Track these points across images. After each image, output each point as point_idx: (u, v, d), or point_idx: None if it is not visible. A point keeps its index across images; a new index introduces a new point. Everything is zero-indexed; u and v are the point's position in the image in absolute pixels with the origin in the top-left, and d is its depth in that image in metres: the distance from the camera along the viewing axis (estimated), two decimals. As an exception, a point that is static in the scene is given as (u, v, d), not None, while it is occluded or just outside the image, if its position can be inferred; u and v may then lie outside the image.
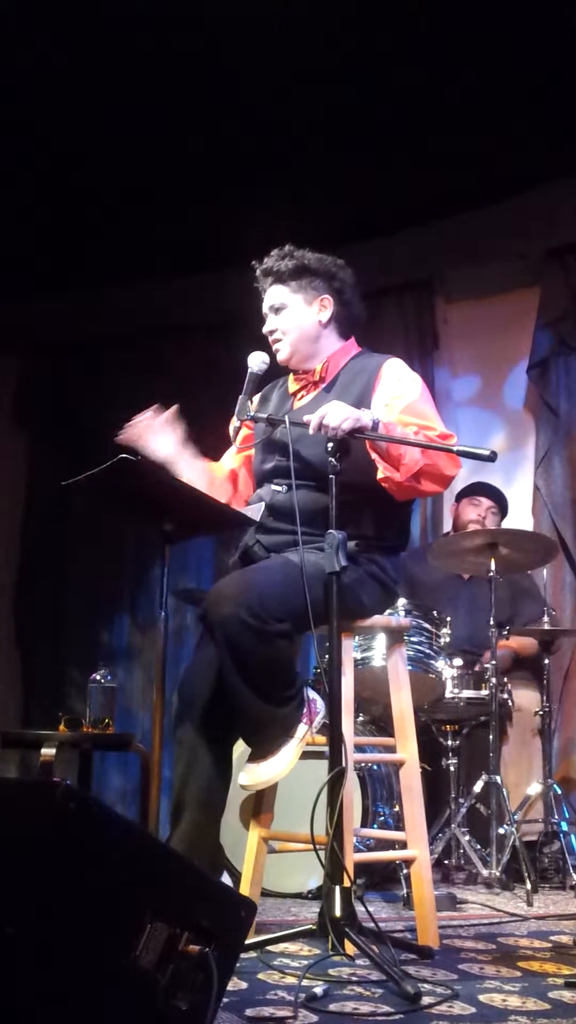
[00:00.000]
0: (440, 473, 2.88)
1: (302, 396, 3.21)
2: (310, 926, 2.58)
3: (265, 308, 3.22)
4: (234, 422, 3.06)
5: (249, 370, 3.05)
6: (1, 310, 6.50)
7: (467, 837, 4.07)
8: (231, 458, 3.34)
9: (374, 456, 2.89)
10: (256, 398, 3.23)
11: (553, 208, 5.54)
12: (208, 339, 6.35)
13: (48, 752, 3.95)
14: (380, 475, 2.90)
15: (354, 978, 2.43)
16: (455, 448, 2.82)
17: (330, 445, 2.74)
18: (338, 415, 2.74)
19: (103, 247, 6.06)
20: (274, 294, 3.19)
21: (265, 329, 3.22)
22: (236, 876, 3.29)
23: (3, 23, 4.34)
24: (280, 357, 3.19)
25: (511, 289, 5.86)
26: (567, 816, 4.18)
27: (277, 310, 3.19)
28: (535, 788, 4.23)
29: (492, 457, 2.76)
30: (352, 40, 4.60)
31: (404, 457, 2.83)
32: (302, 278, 3.18)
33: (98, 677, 4.32)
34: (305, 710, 2.89)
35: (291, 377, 3.28)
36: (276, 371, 3.24)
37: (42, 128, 5.10)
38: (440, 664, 4.05)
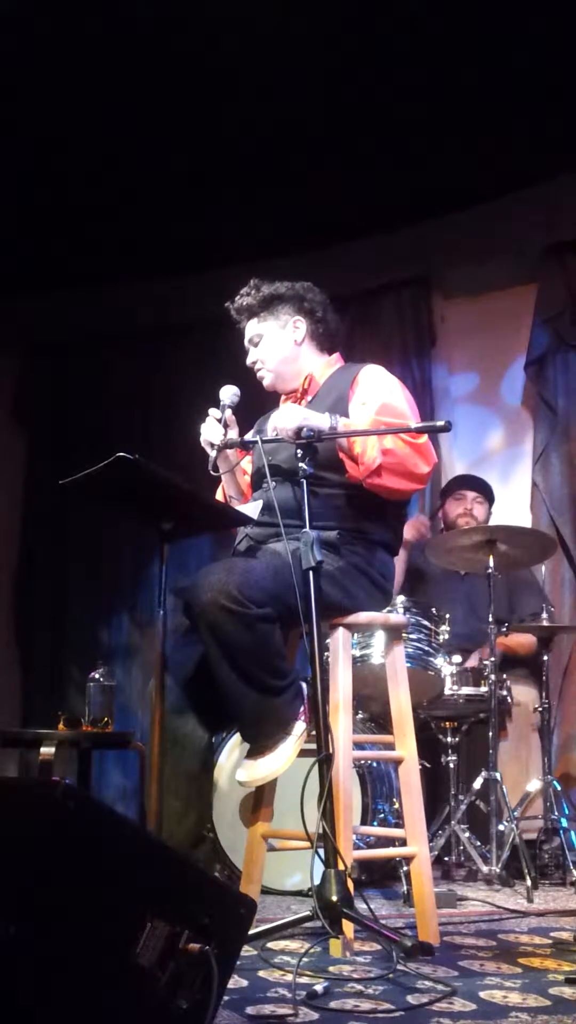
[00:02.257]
0: (407, 470, 2.94)
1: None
2: (307, 913, 2.58)
3: (245, 343, 3.37)
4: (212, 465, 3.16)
5: (221, 403, 3.17)
6: (1, 310, 6.50)
7: (467, 834, 4.07)
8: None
9: (341, 455, 2.98)
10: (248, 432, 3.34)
11: (551, 205, 5.54)
12: (207, 338, 6.35)
13: (47, 751, 3.95)
14: (348, 474, 2.99)
15: (354, 975, 2.43)
16: (412, 427, 2.91)
17: (299, 452, 2.85)
18: (285, 418, 2.89)
19: (103, 246, 6.06)
20: (249, 328, 3.35)
21: (248, 362, 3.36)
22: (236, 874, 3.30)
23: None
24: (266, 384, 3.35)
25: (509, 286, 5.86)
26: (567, 812, 4.18)
27: (255, 342, 3.33)
28: (535, 785, 4.23)
29: (447, 427, 2.85)
30: (352, 40, 4.60)
31: (362, 456, 2.93)
32: (272, 306, 3.32)
33: (97, 676, 4.31)
34: (303, 708, 2.89)
35: (281, 399, 3.38)
36: (271, 398, 3.38)
37: (41, 126, 5.09)
38: (439, 661, 4.05)
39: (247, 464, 3.39)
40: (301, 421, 2.85)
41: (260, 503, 3.05)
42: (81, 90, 4.85)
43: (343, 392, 3.15)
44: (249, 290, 3.33)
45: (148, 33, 4.48)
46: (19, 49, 4.55)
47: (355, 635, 3.69)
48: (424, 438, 2.96)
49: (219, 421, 3.15)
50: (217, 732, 3.04)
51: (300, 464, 2.84)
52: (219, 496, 3.38)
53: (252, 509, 3.06)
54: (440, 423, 2.86)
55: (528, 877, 3.71)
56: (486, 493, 5.07)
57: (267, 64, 4.67)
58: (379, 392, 3.09)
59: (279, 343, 3.30)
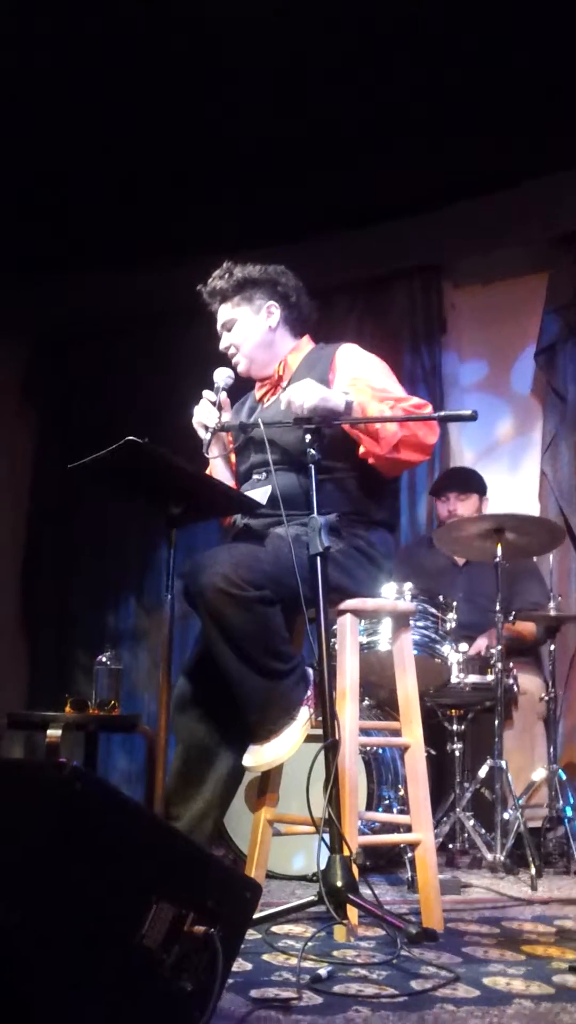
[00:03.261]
0: (419, 442, 2.97)
1: (268, 400, 3.31)
2: (312, 898, 2.59)
3: (218, 327, 3.35)
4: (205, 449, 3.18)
5: (215, 384, 3.19)
6: (6, 296, 6.49)
7: (472, 821, 4.08)
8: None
9: (355, 434, 2.96)
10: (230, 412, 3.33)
11: (562, 194, 5.51)
12: (211, 324, 6.35)
13: (54, 733, 3.96)
14: (362, 451, 2.98)
15: (359, 960, 2.44)
16: (437, 415, 2.96)
17: (307, 437, 2.83)
18: (302, 393, 2.86)
19: (109, 232, 6.05)
20: (223, 312, 3.33)
21: (221, 347, 3.35)
22: (241, 858, 3.31)
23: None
24: (240, 370, 3.32)
25: (519, 274, 5.84)
26: (571, 801, 4.18)
27: (228, 327, 3.32)
28: (540, 773, 4.23)
29: (473, 416, 2.85)
30: (352, 35, 4.58)
31: (383, 430, 2.92)
32: (245, 291, 3.30)
33: (104, 659, 4.32)
34: (309, 693, 2.90)
35: (256, 385, 3.38)
36: (245, 384, 3.38)
37: (43, 116, 5.09)
38: (446, 649, 4.05)
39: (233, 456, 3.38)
40: (319, 400, 2.84)
41: (269, 488, 3.04)
42: (82, 75, 4.84)
43: (322, 375, 3.13)
44: (222, 273, 3.31)
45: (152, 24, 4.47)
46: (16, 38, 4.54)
47: (362, 622, 3.69)
48: (427, 409, 2.97)
49: (213, 404, 3.15)
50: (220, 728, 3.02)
51: (309, 450, 2.83)
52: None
53: (261, 495, 3.05)
54: (466, 412, 2.87)
55: (532, 865, 3.72)
56: (468, 486, 5.04)
57: (272, 51, 4.65)
58: (366, 371, 3.10)
59: (253, 329, 3.28)
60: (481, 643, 4.40)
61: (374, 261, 6.08)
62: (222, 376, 3.20)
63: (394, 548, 3.26)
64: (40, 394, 6.94)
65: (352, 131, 5.23)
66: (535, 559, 4.88)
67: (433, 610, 4.02)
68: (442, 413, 2.96)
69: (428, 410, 2.97)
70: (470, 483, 5.05)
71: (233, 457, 3.35)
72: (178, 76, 4.85)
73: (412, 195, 5.68)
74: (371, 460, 2.98)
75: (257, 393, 3.37)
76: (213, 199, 5.70)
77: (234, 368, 3.29)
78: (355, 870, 2.57)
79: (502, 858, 3.89)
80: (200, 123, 5.18)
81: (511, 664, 4.30)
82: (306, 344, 3.35)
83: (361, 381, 3.01)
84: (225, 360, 3.31)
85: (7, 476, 6.86)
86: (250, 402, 3.39)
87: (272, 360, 3.30)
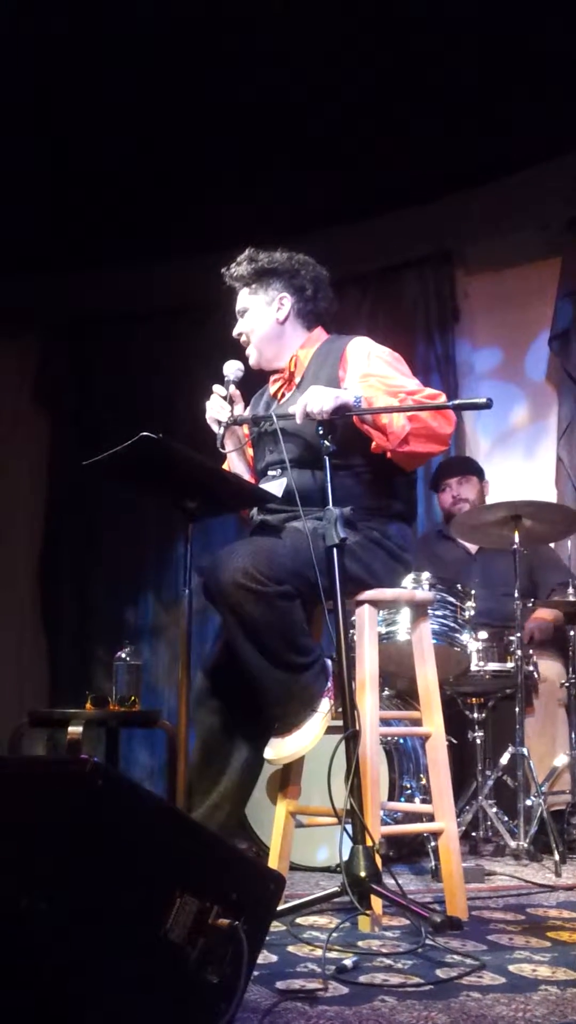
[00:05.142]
0: (434, 433, 2.93)
1: (283, 396, 3.27)
2: (336, 889, 2.59)
3: (237, 311, 3.32)
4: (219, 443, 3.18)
5: (225, 378, 3.17)
6: (22, 290, 6.51)
7: (494, 809, 4.07)
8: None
9: (365, 429, 2.95)
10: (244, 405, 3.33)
11: (574, 178, 5.48)
12: (229, 318, 6.34)
13: (75, 730, 3.97)
14: (374, 446, 2.97)
15: (383, 950, 2.44)
16: (451, 403, 2.94)
17: (320, 429, 2.82)
18: (320, 399, 2.83)
19: (120, 229, 6.06)
20: (239, 299, 3.30)
21: (234, 333, 3.32)
22: (264, 851, 3.31)
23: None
24: (251, 361, 3.30)
25: (532, 260, 5.82)
26: (594, 787, 4.18)
27: (242, 314, 3.30)
28: (562, 760, 4.22)
29: (488, 404, 2.84)
30: (369, 7, 4.56)
31: (391, 425, 2.89)
32: (262, 280, 3.27)
33: (123, 655, 4.33)
34: (329, 685, 2.90)
35: (269, 379, 3.35)
36: (256, 376, 3.35)
37: (48, 106, 5.09)
38: (465, 637, 4.05)
39: (249, 449, 3.37)
40: (335, 401, 2.82)
41: (284, 481, 3.04)
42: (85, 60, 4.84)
43: (333, 370, 3.11)
44: (245, 258, 3.28)
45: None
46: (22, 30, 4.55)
47: (381, 612, 3.68)
48: (441, 399, 2.95)
49: (224, 398, 3.14)
50: (237, 720, 3.03)
51: (323, 441, 2.82)
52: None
53: (276, 487, 3.05)
54: (481, 399, 2.86)
55: (556, 851, 3.71)
56: (466, 468, 5.06)
57: (291, 37, 4.64)
58: (375, 364, 3.07)
59: (262, 320, 3.25)
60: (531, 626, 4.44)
61: (385, 250, 6.07)
62: (232, 369, 3.18)
63: (412, 540, 3.25)
64: (54, 391, 6.95)
65: (361, 119, 5.21)
66: (552, 545, 4.87)
67: (451, 599, 4.02)
68: (457, 401, 2.95)
69: (442, 399, 2.95)
70: (467, 466, 5.07)
71: (250, 451, 3.34)
72: (183, 60, 4.85)
73: (424, 182, 5.67)
74: (388, 454, 2.97)
75: (272, 388, 3.34)
76: (221, 192, 5.69)
77: (245, 360, 3.27)
78: (378, 860, 2.57)
79: (525, 845, 3.89)
80: (217, 109, 5.18)
81: (531, 651, 4.29)
82: (318, 336, 3.30)
83: (372, 378, 2.99)
84: (235, 353, 3.29)
85: (24, 474, 6.89)
86: (266, 397, 3.37)
87: (281, 353, 3.26)
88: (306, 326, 3.30)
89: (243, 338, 3.30)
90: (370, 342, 3.21)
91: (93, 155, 5.48)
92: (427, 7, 4.49)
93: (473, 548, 4.90)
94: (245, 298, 3.28)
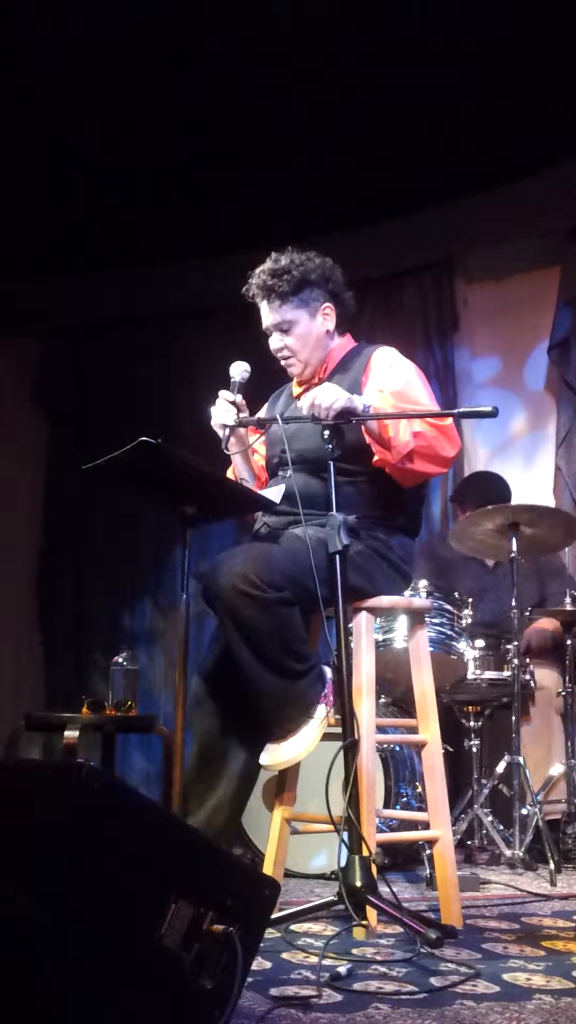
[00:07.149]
0: (436, 454, 2.92)
1: (302, 397, 3.22)
2: (332, 898, 2.59)
3: (267, 325, 3.21)
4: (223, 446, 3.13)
5: (232, 379, 3.12)
6: (22, 293, 6.51)
7: (490, 818, 4.07)
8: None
9: (369, 441, 2.94)
10: (265, 406, 3.34)
11: (574, 186, 5.50)
12: (230, 320, 6.35)
13: (71, 734, 3.97)
14: (375, 460, 2.96)
15: (378, 957, 2.44)
16: (456, 411, 2.91)
17: (326, 433, 2.81)
18: (328, 396, 2.81)
19: (121, 232, 6.07)
20: (278, 312, 3.16)
21: (272, 347, 3.22)
22: (259, 857, 3.31)
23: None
24: (294, 372, 3.24)
25: (531, 269, 5.83)
26: (590, 796, 4.17)
27: (284, 329, 3.18)
28: (557, 769, 4.22)
29: (494, 413, 2.80)
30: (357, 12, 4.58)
31: (395, 439, 2.88)
32: (303, 291, 3.16)
33: (120, 660, 4.33)
34: (325, 691, 2.89)
35: (295, 380, 3.32)
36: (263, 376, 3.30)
37: (48, 106, 5.10)
38: (462, 645, 4.05)
39: (260, 447, 3.34)
40: (346, 402, 2.80)
41: (283, 487, 3.04)
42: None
43: (356, 376, 3.10)
44: (278, 270, 3.13)
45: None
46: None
47: (378, 619, 3.68)
48: (449, 421, 2.94)
49: (231, 403, 3.11)
50: (234, 726, 3.02)
51: (327, 446, 2.81)
52: (230, 477, 3.34)
53: (275, 493, 3.05)
54: (486, 408, 2.80)
55: (551, 860, 3.71)
56: (479, 492, 4.95)
57: (286, 41, 4.66)
58: (394, 378, 3.06)
59: (312, 333, 3.18)
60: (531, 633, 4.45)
61: (386, 257, 6.08)
62: (239, 370, 3.12)
63: (414, 554, 3.25)
64: (53, 395, 6.95)
65: (361, 128, 5.22)
66: (563, 557, 4.84)
67: (449, 607, 4.02)
68: (462, 409, 2.91)
69: (449, 423, 2.92)
70: (473, 489, 4.99)
71: (262, 450, 3.32)
72: (183, 60, 4.86)
73: (423, 190, 5.68)
74: (387, 469, 2.96)
75: (296, 389, 3.31)
76: (220, 197, 5.70)
77: (281, 363, 3.21)
78: (374, 870, 2.57)
79: (521, 854, 3.89)
80: (228, 117, 5.20)
81: (528, 660, 4.29)
82: (348, 343, 3.28)
83: (390, 387, 2.98)
84: (236, 354, 3.26)
85: (23, 478, 6.89)
86: (285, 396, 3.35)
87: (322, 360, 3.22)
88: (340, 331, 3.28)
89: (284, 352, 3.20)
90: (395, 354, 3.18)
91: (93, 157, 5.49)
92: (425, 14, 4.50)
93: (491, 561, 4.87)
94: (287, 312, 3.15)
